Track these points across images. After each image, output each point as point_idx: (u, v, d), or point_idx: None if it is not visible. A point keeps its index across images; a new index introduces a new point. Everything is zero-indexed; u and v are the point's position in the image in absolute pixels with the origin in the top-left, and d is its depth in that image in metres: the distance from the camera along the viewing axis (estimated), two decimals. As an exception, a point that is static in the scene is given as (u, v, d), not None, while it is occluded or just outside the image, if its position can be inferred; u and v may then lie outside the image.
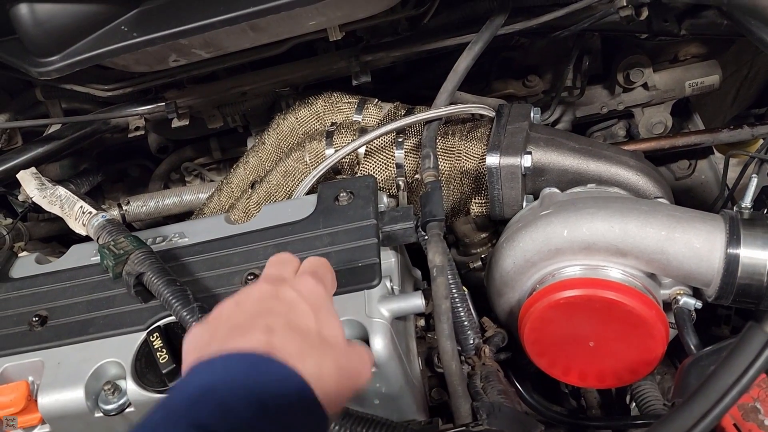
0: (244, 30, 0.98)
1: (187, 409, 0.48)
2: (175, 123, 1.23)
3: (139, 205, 1.41)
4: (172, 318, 0.92)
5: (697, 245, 0.88)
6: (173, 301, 0.89)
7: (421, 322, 1.04)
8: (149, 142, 1.48)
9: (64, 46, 0.94)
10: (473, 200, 1.13)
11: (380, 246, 0.94)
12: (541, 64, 1.53)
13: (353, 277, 0.90)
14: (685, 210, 0.93)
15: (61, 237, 1.39)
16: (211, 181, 1.58)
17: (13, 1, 0.90)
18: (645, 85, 1.51)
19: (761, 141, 1.40)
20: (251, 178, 1.26)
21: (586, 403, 1.26)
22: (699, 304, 0.93)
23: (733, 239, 0.87)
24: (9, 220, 1.24)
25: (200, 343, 0.59)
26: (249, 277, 0.94)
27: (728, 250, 0.87)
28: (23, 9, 0.90)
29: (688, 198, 1.63)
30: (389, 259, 0.97)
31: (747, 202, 0.92)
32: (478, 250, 1.21)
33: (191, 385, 0.51)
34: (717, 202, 1.50)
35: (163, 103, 1.22)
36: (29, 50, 0.94)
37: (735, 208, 0.92)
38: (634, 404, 1.14)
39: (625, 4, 0.93)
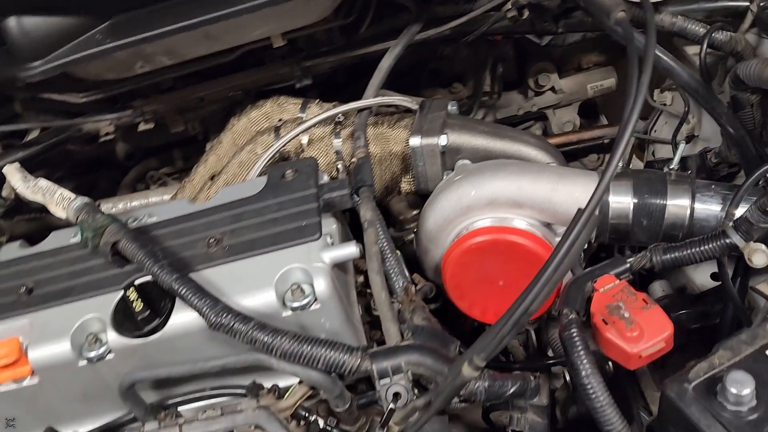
0: (200, 38, 1.17)
1: None
2: (142, 126, 1.40)
3: (109, 208, 1.56)
4: (145, 278, 1.07)
5: (576, 194, 1.09)
6: (146, 260, 1.04)
7: (361, 279, 1.21)
8: (117, 151, 1.65)
9: (46, 53, 1.11)
10: (403, 179, 1.33)
11: (321, 211, 1.12)
12: (464, 73, 1.76)
13: (298, 233, 1.07)
14: (568, 169, 1.14)
15: (37, 235, 1.52)
16: (175, 188, 1.75)
17: (3, 15, 1.07)
18: (553, 89, 1.74)
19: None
20: (211, 173, 1.43)
21: (513, 357, 1.45)
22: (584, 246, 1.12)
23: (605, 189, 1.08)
24: (-9, 218, 1.38)
25: None
26: (211, 241, 1.11)
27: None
28: (12, 21, 1.08)
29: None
30: (330, 225, 1.15)
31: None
32: (411, 226, 1.40)
33: None
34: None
35: (131, 110, 1.40)
36: (16, 57, 1.11)
37: (607, 165, 1.13)
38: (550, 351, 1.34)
39: (510, 8, 1.16)
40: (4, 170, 1.20)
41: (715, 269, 1.30)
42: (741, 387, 0.75)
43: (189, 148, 1.72)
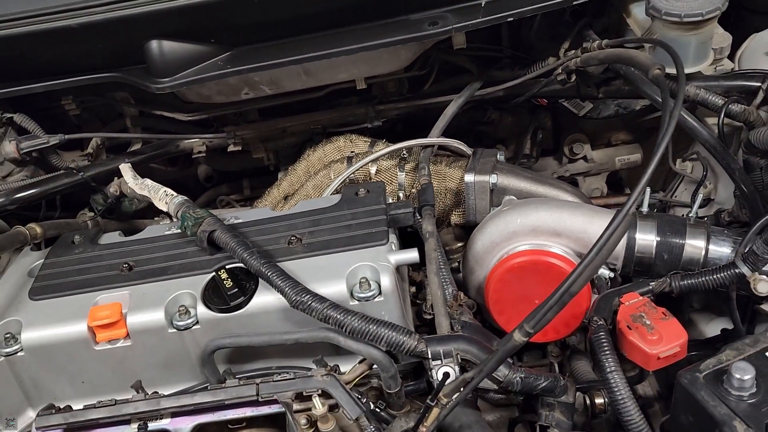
0: (299, 73, 1.41)
1: None
2: (231, 148, 1.62)
3: (186, 219, 1.76)
4: (234, 264, 1.25)
5: (608, 228, 1.27)
6: (237, 247, 1.23)
7: (413, 289, 1.39)
8: (198, 173, 1.86)
9: (176, 72, 1.34)
10: (454, 212, 1.52)
11: (388, 224, 1.30)
12: (506, 138, 1.98)
13: (369, 238, 1.26)
14: (602, 208, 1.33)
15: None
16: (240, 213, 1.95)
17: (148, 38, 1.31)
18: (585, 158, 1.96)
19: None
20: (284, 195, 1.63)
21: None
22: (611, 274, 1.30)
23: (632, 226, 1.26)
24: (91, 214, 1.58)
25: None
26: (292, 239, 1.29)
27: (629, 234, 1.26)
28: (154, 44, 1.32)
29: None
30: (393, 238, 1.34)
31: (644, 207, 1.32)
32: (456, 256, 1.58)
33: None
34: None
35: (224, 134, 1.62)
36: (151, 73, 1.35)
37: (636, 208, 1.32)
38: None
39: (560, 71, 1.39)
40: (120, 167, 1.42)
41: (726, 325, 1.46)
42: (744, 373, 0.91)
43: (256, 179, 1.94)
